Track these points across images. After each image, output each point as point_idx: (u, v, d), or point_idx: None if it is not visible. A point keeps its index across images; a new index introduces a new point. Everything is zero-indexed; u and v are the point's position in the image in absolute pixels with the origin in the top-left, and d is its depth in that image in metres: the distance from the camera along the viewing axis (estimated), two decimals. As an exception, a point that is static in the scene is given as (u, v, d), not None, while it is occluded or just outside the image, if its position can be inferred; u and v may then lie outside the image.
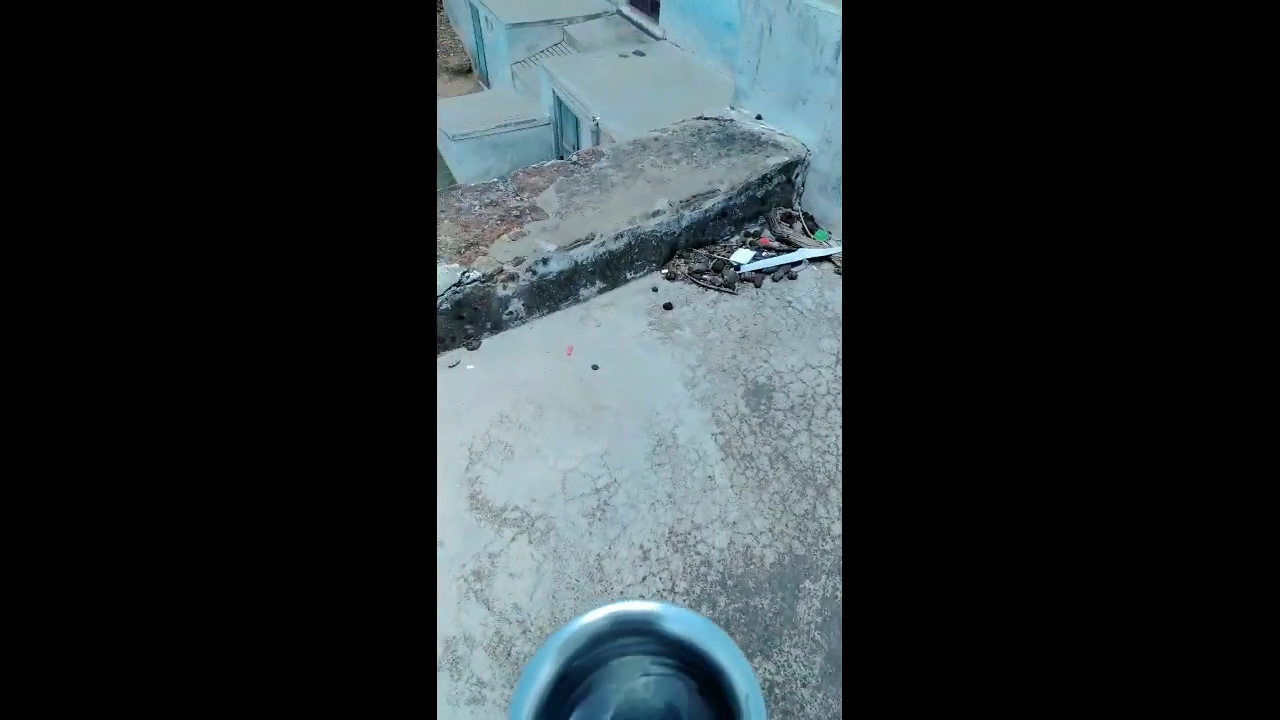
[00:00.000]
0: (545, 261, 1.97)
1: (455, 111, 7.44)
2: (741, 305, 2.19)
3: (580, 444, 1.78)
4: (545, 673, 0.75)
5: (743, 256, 2.33)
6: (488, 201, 2.10)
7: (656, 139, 2.43)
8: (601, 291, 2.20)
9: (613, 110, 6.47)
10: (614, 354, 2.02)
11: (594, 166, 2.27)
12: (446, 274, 1.85)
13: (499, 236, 1.98)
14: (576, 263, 2.04)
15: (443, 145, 7.89)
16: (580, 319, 2.13)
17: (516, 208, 2.08)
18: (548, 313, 2.11)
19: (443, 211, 2.05)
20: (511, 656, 1.40)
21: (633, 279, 2.25)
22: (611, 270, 2.16)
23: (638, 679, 0.86)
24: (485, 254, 1.93)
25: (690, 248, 2.33)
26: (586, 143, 7.10)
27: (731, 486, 1.68)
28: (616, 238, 2.08)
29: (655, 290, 2.24)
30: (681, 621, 0.79)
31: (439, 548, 1.58)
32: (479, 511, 1.65)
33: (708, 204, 2.24)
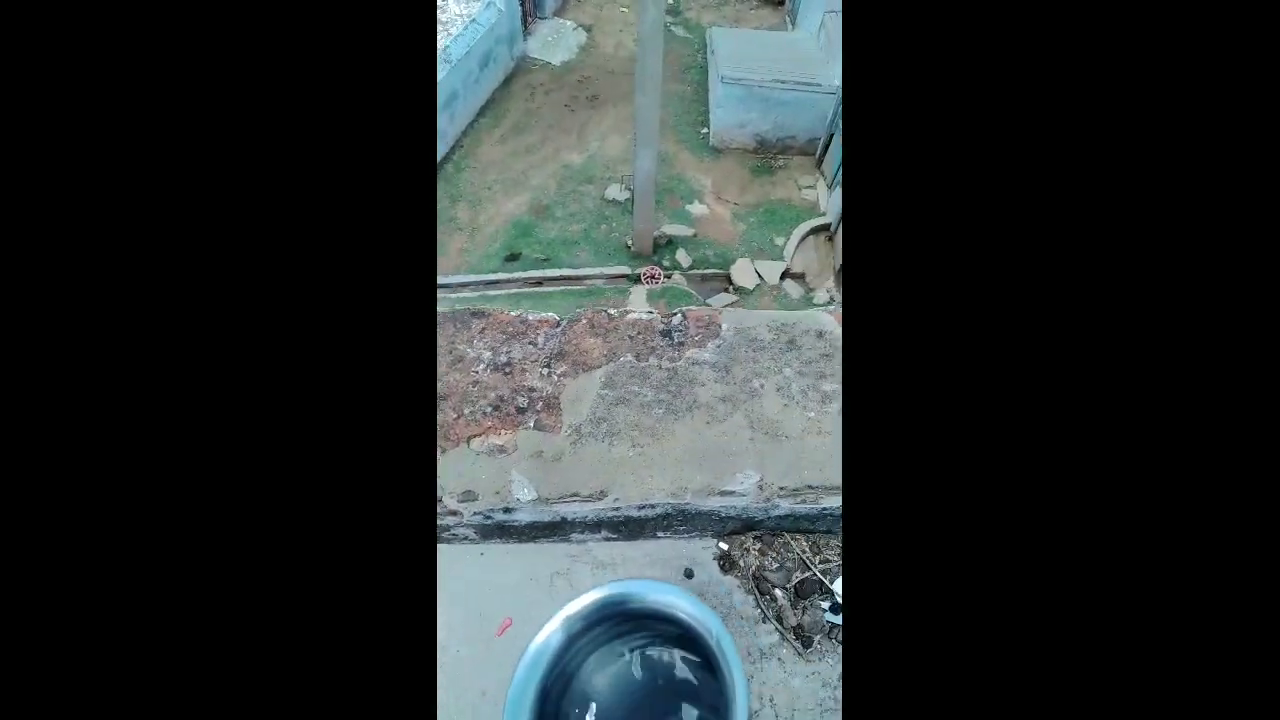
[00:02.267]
0: (508, 510, 1.27)
1: (739, 46, 6.45)
2: (810, 687, 1.30)
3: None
4: (528, 700, 0.69)
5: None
6: (502, 361, 1.40)
7: (821, 335, 1.49)
8: (608, 540, 1.45)
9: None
10: (562, 667, 1.31)
11: (686, 356, 1.43)
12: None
13: (475, 436, 1.31)
14: (564, 518, 1.31)
15: (711, 82, 7.13)
16: (553, 573, 1.43)
17: (529, 391, 1.36)
18: (513, 541, 1.44)
19: (442, 351, 1.41)
20: None
21: (664, 538, 1.46)
22: (629, 528, 1.39)
23: (617, 662, 0.82)
24: (442, 452, 1.28)
25: (776, 532, 1.45)
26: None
27: None
28: (643, 507, 1.29)
29: (689, 575, 1.44)
30: (638, 594, 0.74)
31: None
32: None
33: (836, 502, 1.31)
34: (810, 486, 1.31)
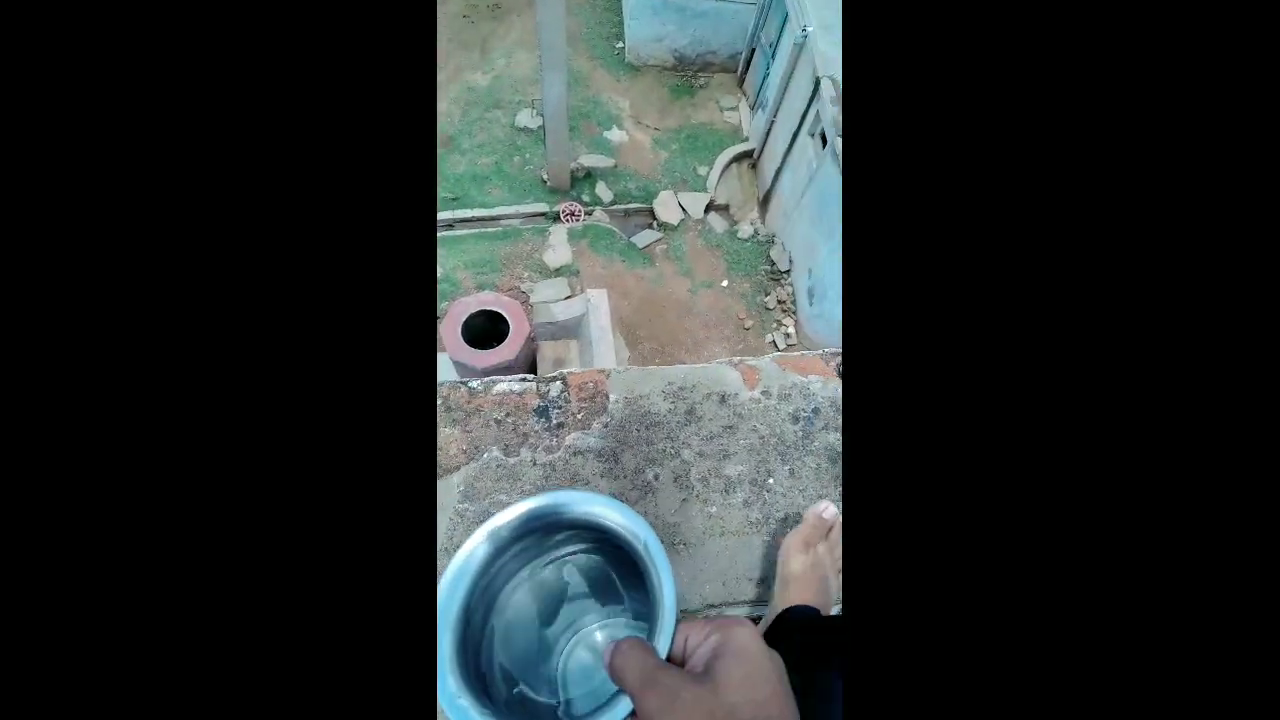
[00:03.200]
0: None
1: (652, -51, 5.79)
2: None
3: None
4: (451, 618, 0.63)
5: None
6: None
7: (724, 400, 1.28)
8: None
9: (839, 27, 4.59)
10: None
11: (566, 444, 1.20)
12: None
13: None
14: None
15: (623, -13, 6.42)
16: None
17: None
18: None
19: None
20: None
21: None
22: (514, 648, 1.20)
23: (544, 573, 0.77)
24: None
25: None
26: (784, 52, 5.32)
27: None
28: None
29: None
30: (568, 504, 0.68)
31: None
32: None
33: (744, 614, 1.15)
34: (711, 605, 1.15)
